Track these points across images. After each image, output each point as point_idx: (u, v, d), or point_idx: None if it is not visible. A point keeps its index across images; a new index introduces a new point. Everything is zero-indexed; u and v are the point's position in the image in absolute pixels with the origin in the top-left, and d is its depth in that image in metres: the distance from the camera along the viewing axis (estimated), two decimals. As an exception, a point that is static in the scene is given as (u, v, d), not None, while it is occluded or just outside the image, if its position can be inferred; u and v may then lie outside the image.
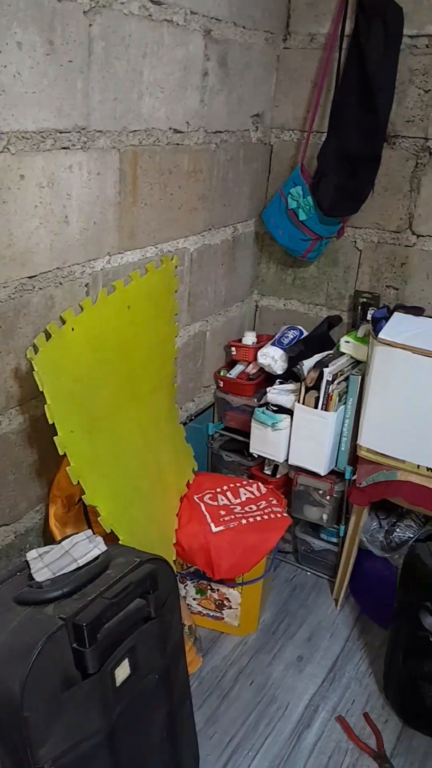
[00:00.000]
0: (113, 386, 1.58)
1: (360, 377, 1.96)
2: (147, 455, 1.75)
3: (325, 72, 2.04)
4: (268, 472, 2.23)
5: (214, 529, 1.81)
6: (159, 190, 1.69)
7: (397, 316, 1.93)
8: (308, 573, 2.26)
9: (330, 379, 1.96)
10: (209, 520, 1.83)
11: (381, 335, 1.82)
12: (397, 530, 2.00)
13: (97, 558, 1.21)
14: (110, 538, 1.45)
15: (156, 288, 1.75)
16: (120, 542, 1.43)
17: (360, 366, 2.04)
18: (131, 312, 1.62)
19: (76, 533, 1.29)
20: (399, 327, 1.85)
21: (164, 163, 1.68)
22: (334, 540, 2.17)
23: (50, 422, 1.31)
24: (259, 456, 2.20)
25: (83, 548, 1.24)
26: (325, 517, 2.13)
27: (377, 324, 1.91)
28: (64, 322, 1.42)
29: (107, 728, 1.14)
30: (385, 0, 1.89)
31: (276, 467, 2.21)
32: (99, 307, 1.49)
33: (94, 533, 1.31)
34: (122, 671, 1.17)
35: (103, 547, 1.24)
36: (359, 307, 2.22)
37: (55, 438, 1.33)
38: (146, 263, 1.69)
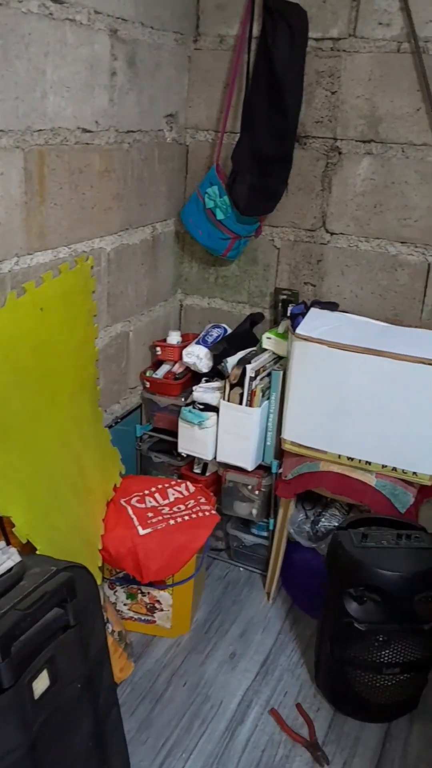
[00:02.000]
0: (28, 392, 1.54)
1: (282, 372, 1.99)
2: (68, 461, 1.72)
3: (236, 73, 2.06)
4: (197, 470, 2.23)
5: (142, 531, 1.79)
6: (69, 190, 1.66)
7: (314, 312, 1.97)
8: (241, 569, 2.27)
9: (253, 375, 1.98)
10: (136, 523, 1.82)
11: (298, 331, 1.85)
12: (323, 520, 2.04)
13: (10, 570, 1.18)
14: (28, 549, 1.41)
15: (71, 289, 1.72)
16: (38, 552, 1.39)
17: (282, 361, 2.07)
18: (45, 314, 1.59)
19: (-10, 545, 1.26)
20: (315, 322, 1.89)
21: (74, 163, 1.66)
22: (265, 534, 2.20)
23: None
24: (188, 455, 2.20)
25: (-5, 561, 1.20)
26: (254, 511, 2.15)
27: (295, 320, 1.95)
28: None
29: (28, 742, 1.11)
30: (289, 3, 1.94)
31: (205, 465, 2.22)
32: (8, 310, 1.46)
33: (9, 544, 1.27)
34: (41, 683, 1.14)
35: (17, 558, 1.21)
36: (280, 304, 2.25)
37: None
38: (59, 264, 1.67)
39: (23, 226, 1.53)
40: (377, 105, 1.96)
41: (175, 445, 2.20)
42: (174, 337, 2.27)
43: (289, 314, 2.07)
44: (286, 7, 1.94)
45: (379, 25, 1.90)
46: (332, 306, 2.05)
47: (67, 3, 1.51)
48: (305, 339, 1.82)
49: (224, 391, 2.04)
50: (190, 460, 2.24)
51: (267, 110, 2.00)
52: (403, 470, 1.79)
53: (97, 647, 1.31)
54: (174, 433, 2.20)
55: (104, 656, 1.33)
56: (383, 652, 1.60)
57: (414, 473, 1.78)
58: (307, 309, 1.99)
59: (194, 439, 2.12)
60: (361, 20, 1.91)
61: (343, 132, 2.03)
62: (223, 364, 2.08)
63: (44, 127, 1.52)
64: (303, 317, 1.94)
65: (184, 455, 2.21)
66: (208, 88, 2.16)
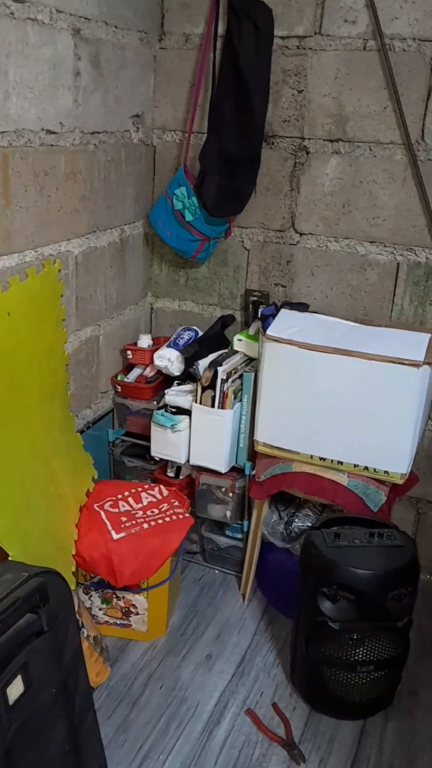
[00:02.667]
0: (-4, 397, 1.52)
1: (253, 374, 1.99)
2: (39, 466, 1.70)
3: (202, 72, 2.06)
4: (171, 474, 2.22)
5: (115, 536, 1.78)
6: (35, 192, 1.64)
7: (284, 313, 1.97)
8: (216, 571, 2.27)
9: (224, 377, 1.98)
10: (110, 527, 1.80)
11: (269, 332, 1.85)
12: (296, 521, 2.05)
13: (-20, 577, 1.16)
14: (0, 555, 1.39)
15: (39, 293, 1.70)
16: (10, 558, 1.37)
17: (253, 363, 2.07)
18: (12, 319, 1.57)
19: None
20: (285, 323, 1.89)
21: (39, 165, 1.63)
22: (239, 536, 2.19)
23: None
24: (161, 459, 2.19)
25: (-34, 569, 1.18)
26: (228, 514, 2.15)
27: (266, 321, 1.95)
28: None
29: (3, 748, 1.10)
30: (254, 1, 1.94)
31: (179, 469, 2.21)
32: (-26, 315, 1.43)
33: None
34: (15, 689, 1.12)
35: (-14, 565, 1.19)
36: (250, 306, 2.26)
37: None
38: (26, 267, 1.64)
39: (-13, 230, 1.50)
40: (344, 103, 1.96)
41: (147, 449, 2.19)
42: (145, 341, 2.26)
43: (259, 316, 2.07)
44: (251, 6, 1.93)
45: (344, 23, 1.90)
46: (302, 307, 2.06)
47: (29, 2, 1.48)
48: (276, 340, 1.83)
49: (196, 394, 2.03)
50: (164, 463, 2.23)
51: (233, 110, 2.00)
52: (374, 469, 1.81)
53: (72, 652, 1.30)
54: (146, 437, 2.18)
55: (79, 661, 1.32)
56: (357, 650, 1.61)
57: (386, 472, 1.80)
58: (278, 310, 2.00)
59: (167, 443, 2.11)
60: (326, 18, 1.92)
61: (311, 131, 2.03)
62: (194, 366, 2.08)
63: (7, 129, 1.49)
64: (273, 318, 1.94)
65: (157, 459, 2.20)
66: (174, 88, 2.15)
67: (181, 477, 2.21)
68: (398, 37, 1.85)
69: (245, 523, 2.13)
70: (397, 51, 1.86)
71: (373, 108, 1.94)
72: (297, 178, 2.09)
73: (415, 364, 1.68)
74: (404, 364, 1.69)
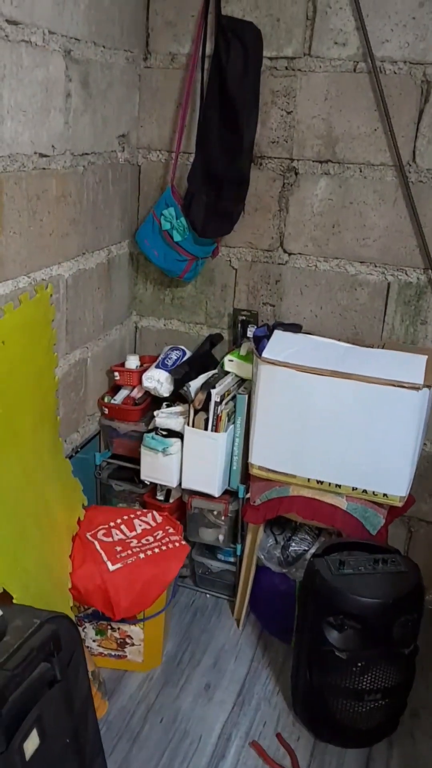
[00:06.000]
0: (-10, 430, 1.46)
1: (247, 396, 1.97)
2: (32, 497, 1.64)
3: (188, 92, 2.03)
4: (160, 497, 2.18)
5: (111, 567, 1.73)
6: (28, 217, 1.59)
7: (278, 334, 1.95)
8: (207, 595, 2.24)
9: (218, 399, 1.95)
10: (105, 558, 1.75)
11: (264, 354, 1.83)
12: (293, 544, 2.03)
13: (-8, 627, 1.10)
14: (0, 596, 1.33)
15: (31, 319, 1.64)
16: (14, 601, 1.32)
17: (245, 384, 2.05)
18: (5, 347, 1.51)
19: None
20: (280, 345, 1.88)
21: (31, 189, 1.58)
22: (231, 560, 2.17)
23: None
24: (150, 482, 2.15)
25: (-26, 616, 1.13)
26: (221, 537, 2.12)
27: (259, 343, 1.93)
28: None
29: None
30: (243, 22, 1.93)
31: (169, 492, 2.17)
32: (-30, 347, 1.38)
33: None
34: (31, 744, 1.07)
35: (-3, 613, 1.14)
36: (239, 325, 2.23)
37: None
38: (19, 294, 1.59)
39: (-17, 259, 1.45)
40: (334, 125, 1.96)
41: (135, 471, 2.15)
42: (132, 362, 2.21)
43: (252, 336, 2.05)
44: (239, 26, 1.92)
45: (334, 45, 1.90)
46: (296, 328, 2.04)
47: (23, 24, 1.44)
48: (272, 363, 1.81)
49: (189, 417, 2.00)
50: (153, 486, 2.19)
51: (221, 130, 1.98)
52: (373, 492, 1.80)
53: (82, 698, 1.25)
54: (134, 460, 2.14)
55: (89, 707, 1.28)
56: (363, 678, 1.59)
57: (384, 495, 1.79)
58: (270, 331, 1.98)
59: (158, 466, 2.07)
60: (316, 39, 1.91)
61: (300, 152, 2.02)
62: (185, 388, 2.04)
63: (2, 154, 1.44)
64: (267, 340, 1.92)
65: (147, 482, 2.16)
66: (160, 107, 2.12)
67: (171, 500, 2.17)
68: (389, 59, 1.86)
69: (238, 546, 2.10)
70: (387, 73, 1.87)
71: (363, 129, 1.94)
72: (286, 199, 2.08)
73: (415, 387, 1.68)
74: (404, 387, 1.69)
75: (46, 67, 1.55)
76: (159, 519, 1.95)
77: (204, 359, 2.19)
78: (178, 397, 2.11)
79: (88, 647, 1.90)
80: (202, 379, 2.05)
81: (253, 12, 1.94)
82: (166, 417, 2.05)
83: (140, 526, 1.92)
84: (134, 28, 1.98)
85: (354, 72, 1.90)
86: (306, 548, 2.01)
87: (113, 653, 1.92)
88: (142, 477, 2.12)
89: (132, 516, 1.96)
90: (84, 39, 1.70)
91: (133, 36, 1.99)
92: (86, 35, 1.71)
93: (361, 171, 1.97)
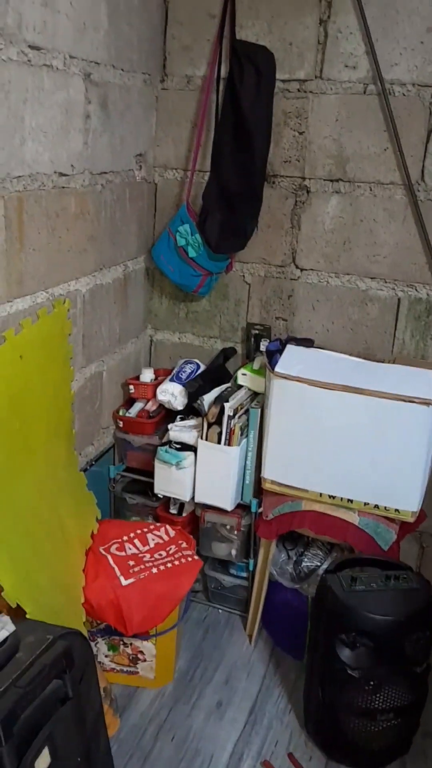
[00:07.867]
0: (6, 444, 1.48)
1: (259, 410, 1.98)
2: (45, 511, 1.65)
3: (204, 113, 2.07)
4: (173, 511, 2.19)
5: (124, 582, 1.74)
6: (47, 234, 1.63)
7: (290, 349, 1.97)
8: (220, 610, 2.23)
9: (231, 413, 1.96)
10: (118, 573, 1.76)
11: (277, 369, 1.85)
12: (305, 560, 2.03)
13: (5, 641, 1.11)
14: (14, 611, 1.34)
15: (49, 334, 1.67)
16: (27, 616, 1.33)
17: (258, 398, 2.06)
18: (24, 362, 1.54)
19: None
20: (293, 359, 1.89)
21: (51, 207, 1.62)
22: (244, 575, 2.16)
23: None
24: (164, 496, 2.16)
25: (-12, 630, 1.14)
26: (234, 552, 2.12)
27: (272, 357, 1.94)
28: None
29: None
30: (256, 46, 1.97)
31: (182, 506, 2.17)
32: (-11, 361, 1.40)
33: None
34: (43, 762, 1.07)
35: (11, 628, 1.14)
36: (252, 339, 2.25)
37: None
38: (38, 309, 1.62)
39: (4, 275, 1.48)
40: (345, 145, 1.99)
41: (148, 484, 2.16)
42: (147, 375, 2.24)
43: (265, 351, 2.06)
44: (253, 50, 1.96)
45: (345, 68, 1.94)
46: (308, 342, 2.06)
47: (45, 49, 1.48)
48: (284, 377, 1.82)
49: (202, 430, 2.01)
50: (166, 500, 2.19)
51: (234, 150, 2.01)
52: (385, 507, 1.80)
53: (93, 715, 1.25)
54: (147, 473, 2.15)
55: (101, 725, 1.28)
56: (375, 697, 1.58)
57: (396, 510, 1.79)
58: (283, 345, 2.00)
59: (171, 480, 2.08)
60: (327, 63, 1.95)
61: (312, 171, 2.06)
62: (199, 402, 2.06)
63: (23, 173, 1.48)
64: (280, 354, 1.94)
65: (160, 496, 2.17)
66: (176, 127, 2.16)
67: (184, 514, 2.18)
68: (398, 82, 1.89)
69: (251, 561, 2.10)
70: (396, 95, 1.90)
71: (373, 149, 1.97)
72: (298, 216, 2.11)
73: (426, 402, 1.69)
74: (415, 402, 1.70)
75: (66, 90, 1.59)
76: (172, 533, 1.96)
77: (218, 373, 2.21)
78: (191, 410, 2.12)
79: (100, 663, 1.90)
80: (215, 392, 2.06)
81: (266, 36, 1.98)
82: (180, 430, 2.07)
83: (153, 540, 1.93)
84: (152, 51, 2.03)
85: (364, 94, 1.94)
86: (318, 563, 2.01)
87: (125, 669, 1.92)
88: (156, 490, 2.13)
89: (145, 530, 1.96)
90: (103, 62, 1.75)
91: (151, 59, 2.04)
92: (105, 59, 1.76)
93: (371, 189, 2.00)
